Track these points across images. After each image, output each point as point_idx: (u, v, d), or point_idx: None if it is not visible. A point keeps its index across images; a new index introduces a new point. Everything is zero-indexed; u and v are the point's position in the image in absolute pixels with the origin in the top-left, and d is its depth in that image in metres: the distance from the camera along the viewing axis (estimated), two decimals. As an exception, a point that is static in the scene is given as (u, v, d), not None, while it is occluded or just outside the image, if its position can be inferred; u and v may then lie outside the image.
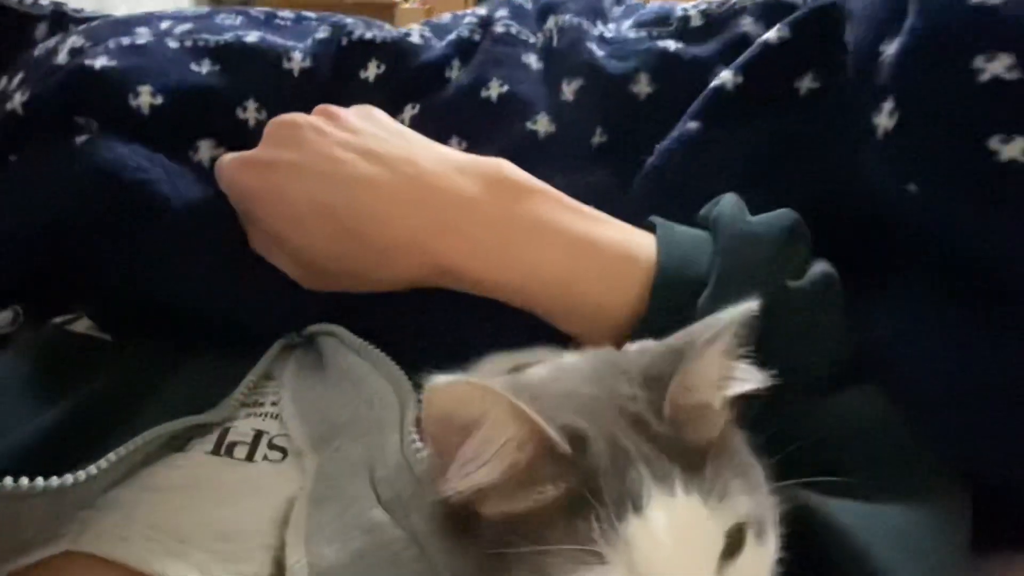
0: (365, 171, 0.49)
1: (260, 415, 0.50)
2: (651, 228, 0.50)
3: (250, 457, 0.47)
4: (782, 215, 0.49)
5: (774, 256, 0.46)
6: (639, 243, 0.49)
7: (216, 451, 0.47)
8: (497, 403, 0.33)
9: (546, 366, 0.40)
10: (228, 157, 0.53)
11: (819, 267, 0.47)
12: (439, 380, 0.32)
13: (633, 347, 0.40)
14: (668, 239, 0.49)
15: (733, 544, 0.34)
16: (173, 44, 0.60)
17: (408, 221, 0.48)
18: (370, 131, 0.52)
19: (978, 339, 0.45)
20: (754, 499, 0.35)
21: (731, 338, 0.36)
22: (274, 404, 0.50)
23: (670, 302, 0.46)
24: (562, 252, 0.48)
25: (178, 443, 0.47)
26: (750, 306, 0.36)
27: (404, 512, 0.39)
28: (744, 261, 0.46)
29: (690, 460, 0.34)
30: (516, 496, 0.34)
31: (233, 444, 0.47)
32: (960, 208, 0.44)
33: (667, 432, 0.34)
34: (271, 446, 0.48)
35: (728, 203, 0.50)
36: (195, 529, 0.42)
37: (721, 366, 0.36)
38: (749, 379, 0.38)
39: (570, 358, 0.41)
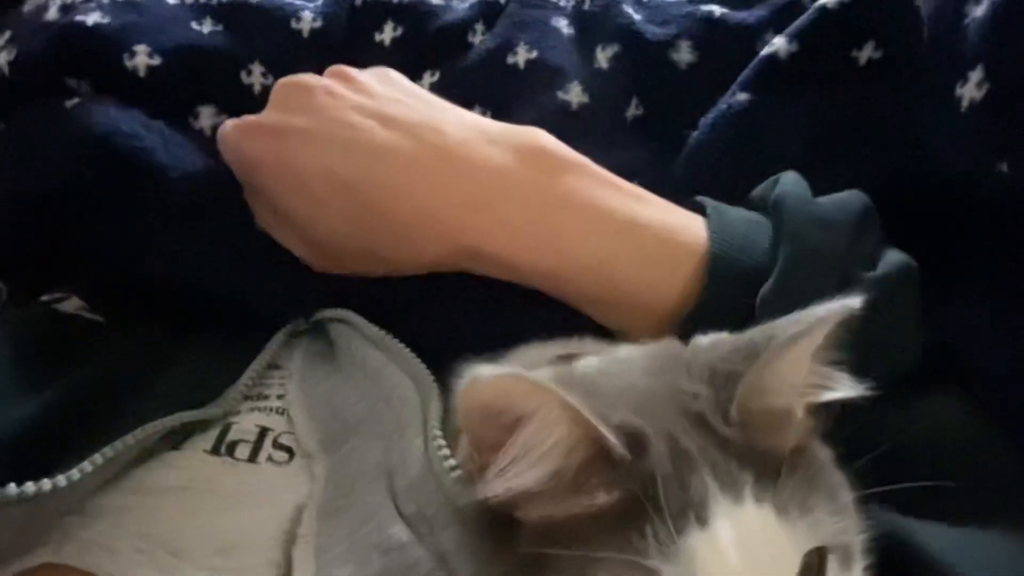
0: (384, 139, 0.44)
1: (265, 409, 0.45)
2: (699, 209, 0.46)
3: (253, 458, 0.42)
4: (853, 197, 0.45)
5: (849, 243, 0.42)
6: (688, 225, 0.44)
7: (216, 450, 0.42)
8: (548, 400, 0.29)
9: (599, 358, 0.36)
10: (231, 123, 0.48)
11: (894, 255, 0.43)
12: (482, 371, 0.28)
13: (703, 340, 0.36)
14: (721, 221, 0.44)
15: (811, 571, 0.30)
16: (172, 0, 0.55)
17: (432, 195, 0.43)
18: (390, 95, 0.47)
19: None
20: (840, 522, 0.31)
21: (821, 337, 0.31)
22: (280, 397, 0.46)
23: (725, 292, 0.42)
24: (603, 233, 0.44)
25: (174, 439, 0.43)
26: (850, 302, 0.31)
27: (429, 529, 0.34)
28: (815, 248, 0.41)
29: (764, 468, 0.30)
30: (563, 500, 0.30)
31: (235, 443, 0.43)
32: None
33: (736, 436, 0.30)
34: (276, 445, 0.43)
35: (791, 182, 0.45)
36: (191, 540, 0.38)
37: (806, 368, 0.32)
38: (840, 387, 0.33)
39: (626, 349, 0.37)
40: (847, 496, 0.33)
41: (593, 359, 0.36)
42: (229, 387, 0.46)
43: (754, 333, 0.33)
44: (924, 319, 0.43)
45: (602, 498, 0.29)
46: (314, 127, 0.45)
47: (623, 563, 0.28)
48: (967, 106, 0.41)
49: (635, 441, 0.30)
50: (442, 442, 0.36)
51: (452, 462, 0.35)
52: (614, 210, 0.44)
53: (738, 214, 0.45)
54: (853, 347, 0.34)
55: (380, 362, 0.43)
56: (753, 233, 0.44)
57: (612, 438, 0.29)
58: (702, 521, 0.28)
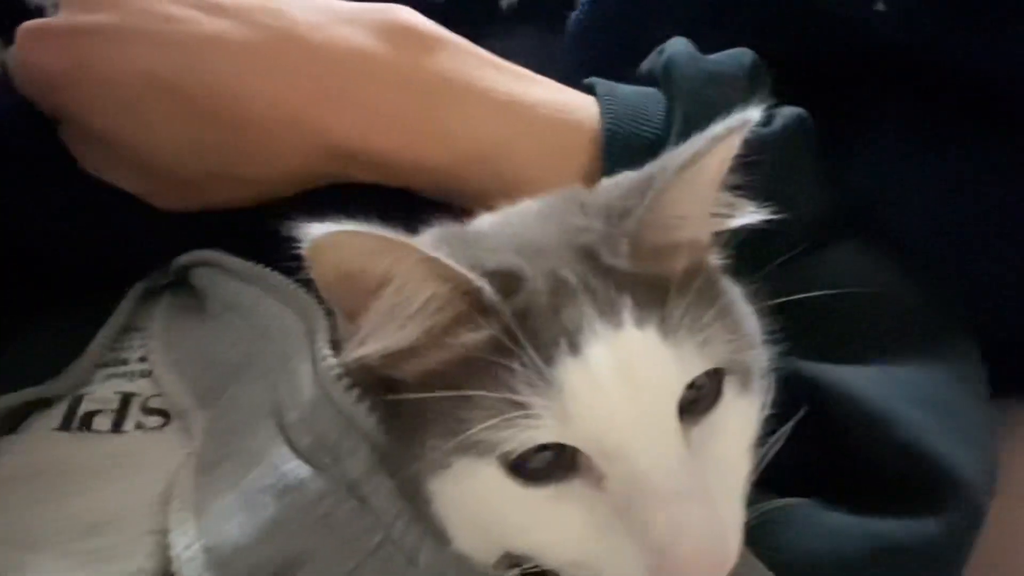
0: (213, 28, 0.38)
1: (126, 375, 0.39)
2: (589, 91, 0.43)
3: (117, 427, 0.36)
4: (741, 53, 0.43)
5: (741, 97, 0.39)
6: (579, 104, 0.42)
7: (66, 426, 0.36)
8: (405, 256, 0.27)
9: (498, 213, 0.34)
10: (19, 33, 0.40)
11: (788, 110, 0.42)
12: (315, 230, 0.26)
13: (606, 181, 0.34)
14: (613, 97, 0.42)
15: (710, 393, 0.29)
16: None
17: (283, 90, 0.38)
18: None
19: (966, 172, 0.40)
20: (737, 342, 0.29)
21: (721, 160, 0.29)
22: (142, 360, 0.40)
23: (624, 169, 0.38)
24: (488, 117, 0.40)
25: (12, 423, 0.36)
26: (746, 115, 0.29)
27: (334, 458, 0.30)
28: (711, 103, 0.39)
29: (650, 293, 0.28)
30: (439, 351, 0.28)
31: (91, 415, 0.37)
32: (930, 19, 0.39)
33: (623, 265, 0.29)
34: (146, 410, 0.37)
35: (679, 44, 0.43)
36: (50, 528, 0.32)
37: (706, 195, 0.30)
38: (744, 214, 0.31)
39: (529, 201, 0.34)
40: (752, 324, 0.31)
41: (490, 215, 0.34)
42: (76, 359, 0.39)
43: (652, 165, 0.31)
44: (826, 173, 0.41)
45: (474, 340, 0.27)
46: (122, 22, 0.38)
47: (495, 401, 0.26)
48: None
49: (510, 281, 0.28)
50: (333, 361, 0.31)
51: (348, 380, 0.30)
52: (498, 91, 0.40)
53: (630, 89, 0.43)
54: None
55: (253, 296, 0.38)
56: (647, 105, 0.42)
57: (481, 283, 0.27)
58: (574, 349, 0.27)
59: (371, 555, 0.28)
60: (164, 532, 0.30)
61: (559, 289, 0.28)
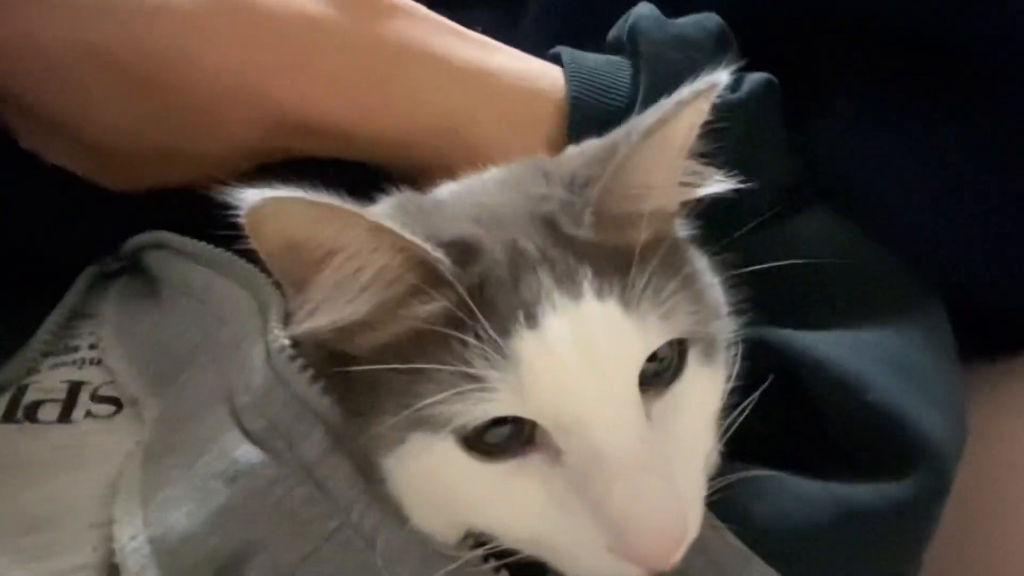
0: None
1: (75, 363, 0.37)
2: (554, 61, 0.42)
3: (65, 417, 0.35)
4: (706, 17, 0.42)
5: (708, 61, 0.38)
6: (543, 72, 0.40)
7: (9, 418, 0.34)
8: (354, 226, 0.26)
9: (460, 181, 0.33)
10: None
11: (755, 75, 0.41)
12: (251, 196, 0.24)
13: (571, 149, 0.33)
14: (578, 65, 0.41)
15: (673, 364, 0.28)
16: None
17: (230, 58, 0.36)
18: None
19: (928, 137, 0.40)
20: (700, 312, 0.29)
21: (688, 126, 0.28)
22: (93, 347, 0.38)
23: (590, 137, 0.37)
24: (449, 86, 0.38)
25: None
26: (713, 78, 0.27)
27: (288, 444, 0.28)
28: (676, 68, 0.38)
29: (611, 262, 0.27)
30: (393, 324, 0.27)
31: (36, 404, 0.35)
32: None
33: (584, 235, 0.28)
34: (96, 398, 0.36)
35: (643, 9, 0.42)
36: None
37: (671, 163, 0.29)
38: (709, 183, 0.30)
39: (493, 169, 0.33)
40: (717, 294, 0.31)
41: (453, 184, 0.33)
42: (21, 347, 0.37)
43: (617, 132, 0.30)
44: (795, 140, 0.41)
45: (429, 312, 0.27)
46: None
47: (450, 374, 0.26)
48: None
49: (467, 251, 0.27)
50: (285, 342, 0.30)
51: (302, 361, 0.29)
52: (459, 59, 0.39)
53: (596, 58, 0.42)
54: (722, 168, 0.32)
55: (206, 278, 0.36)
56: (614, 73, 0.41)
57: (437, 253, 0.26)
58: (532, 321, 0.26)
59: (327, 540, 0.27)
60: (110, 524, 0.29)
61: (518, 260, 0.27)
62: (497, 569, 0.28)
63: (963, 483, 0.34)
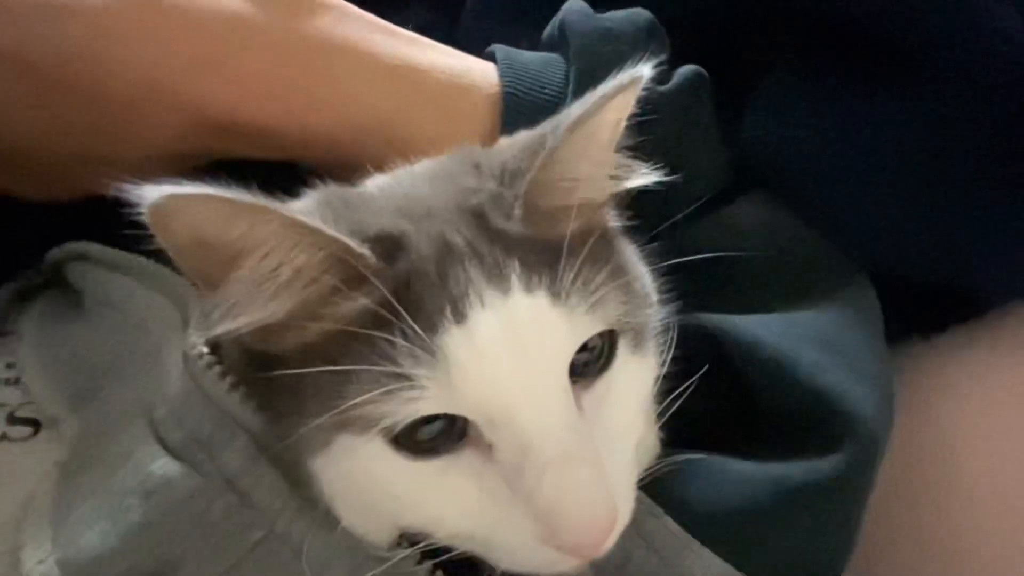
0: None
1: (-10, 384, 0.35)
2: (489, 60, 0.41)
3: (-22, 441, 0.33)
4: (635, 12, 0.42)
5: (636, 55, 0.38)
6: (476, 69, 0.40)
7: (-85, 444, 0.32)
8: (265, 221, 0.24)
9: (392, 173, 0.33)
10: None
11: (684, 68, 0.41)
12: (151, 193, 0.23)
13: (503, 141, 0.33)
14: (511, 61, 0.40)
15: (603, 354, 0.28)
16: None
17: (145, 60, 0.34)
18: None
19: (856, 120, 0.40)
20: (629, 303, 0.29)
21: (612, 119, 0.28)
22: (10, 367, 0.36)
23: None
24: (378, 83, 0.37)
25: None
26: (636, 71, 0.28)
27: (208, 455, 0.27)
28: (605, 60, 0.37)
29: (540, 255, 0.27)
30: (316, 323, 0.26)
31: (-54, 429, 0.33)
32: None
33: (513, 228, 0.28)
34: (13, 420, 0.34)
35: (573, 5, 0.42)
36: None
37: (600, 156, 0.29)
38: (637, 175, 0.30)
39: (425, 161, 0.33)
40: (646, 283, 0.31)
41: (382, 176, 0.33)
42: None
43: (545, 124, 0.30)
44: (727, 128, 0.41)
45: (353, 311, 0.26)
46: None
47: (376, 374, 0.25)
48: None
49: (392, 246, 0.27)
50: (203, 349, 0.28)
51: (220, 368, 0.28)
52: (388, 55, 0.38)
53: (530, 55, 0.42)
54: (654, 159, 0.32)
55: (127, 288, 0.35)
56: (547, 69, 0.40)
57: (361, 249, 0.25)
58: (459, 316, 0.26)
59: (251, 552, 0.26)
60: (19, 550, 0.27)
61: (445, 254, 0.27)
62: (432, 569, 0.27)
63: (893, 459, 0.34)
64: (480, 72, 0.40)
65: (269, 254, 0.25)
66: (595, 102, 0.27)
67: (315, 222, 0.25)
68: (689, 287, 0.32)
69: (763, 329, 0.35)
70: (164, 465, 0.27)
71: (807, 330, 0.36)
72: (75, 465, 0.30)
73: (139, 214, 0.24)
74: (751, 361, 0.34)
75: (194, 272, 0.27)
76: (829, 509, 0.32)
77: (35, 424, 0.34)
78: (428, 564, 0.27)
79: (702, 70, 0.41)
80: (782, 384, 0.33)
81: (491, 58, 0.41)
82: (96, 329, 0.35)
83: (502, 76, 0.40)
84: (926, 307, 0.42)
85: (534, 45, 0.44)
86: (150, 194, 0.23)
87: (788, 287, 0.37)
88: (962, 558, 0.40)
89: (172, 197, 0.23)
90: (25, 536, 0.27)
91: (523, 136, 0.31)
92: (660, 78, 0.40)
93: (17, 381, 0.36)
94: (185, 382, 0.28)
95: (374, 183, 0.32)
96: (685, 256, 0.32)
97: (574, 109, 0.28)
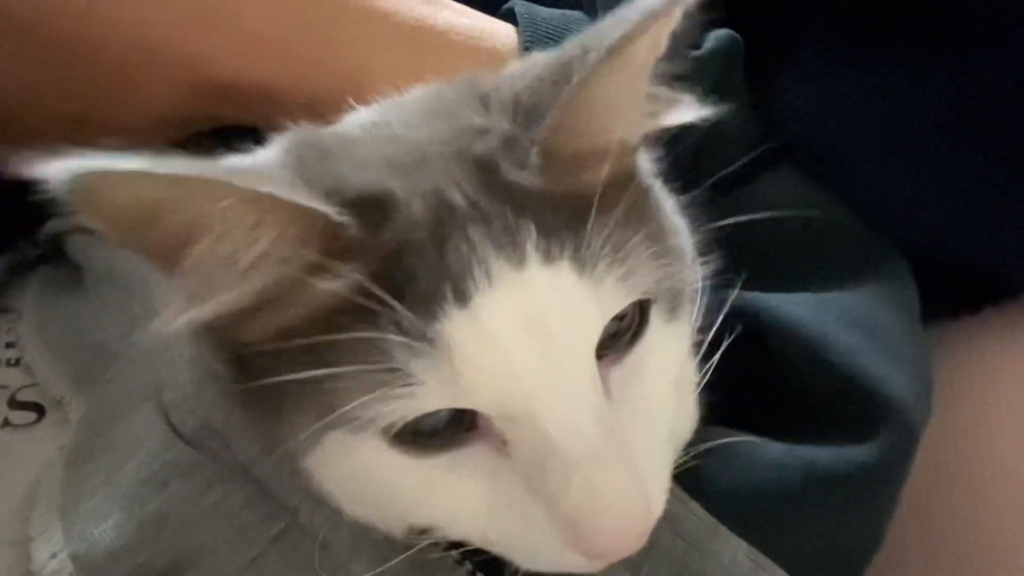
0: None
1: (-11, 365, 0.34)
2: (508, 18, 0.39)
3: (-22, 427, 0.31)
4: None
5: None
6: (496, 30, 0.38)
7: (-87, 429, 0.31)
8: (218, 196, 0.20)
9: (375, 107, 0.28)
10: None
11: (718, 31, 0.39)
12: (59, 170, 0.18)
13: (515, 66, 0.26)
14: (532, 19, 0.38)
15: (634, 323, 0.24)
16: None
17: (142, 16, 0.32)
18: None
19: (891, 91, 0.39)
20: (667, 265, 0.25)
21: (654, 44, 0.23)
22: (10, 346, 0.35)
23: None
24: (393, 44, 0.35)
25: None
26: None
27: (223, 443, 0.26)
28: None
29: (562, 215, 0.22)
30: (286, 308, 0.22)
31: (-57, 414, 0.32)
32: None
33: (529, 181, 0.23)
34: (15, 404, 0.33)
35: None
36: None
37: (636, 87, 0.24)
38: (681, 109, 0.25)
39: (420, 89, 0.28)
40: (681, 236, 0.27)
41: (364, 111, 0.28)
42: None
43: (569, 48, 0.23)
44: (757, 99, 0.39)
45: (334, 292, 0.21)
46: None
47: (366, 372, 0.21)
48: None
49: (378, 209, 0.22)
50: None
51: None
52: (404, 15, 0.36)
53: (552, 12, 0.40)
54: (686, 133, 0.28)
55: (133, 263, 0.33)
56: (571, 27, 0.38)
57: (341, 217, 0.21)
58: (462, 297, 0.21)
59: (273, 544, 0.24)
60: (27, 542, 0.26)
61: (443, 217, 0.22)
62: (473, 570, 0.25)
63: (931, 443, 0.33)
64: (498, 32, 0.38)
65: (228, 233, 0.21)
66: (638, 21, 0.21)
67: (283, 191, 0.20)
68: (720, 261, 0.30)
69: (797, 309, 0.33)
70: (180, 455, 0.26)
71: (843, 312, 0.34)
72: (83, 451, 0.28)
73: (48, 192, 0.19)
74: (784, 342, 0.32)
75: (138, 251, 0.22)
76: (862, 497, 0.31)
77: (38, 409, 0.33)
78: (468, 565, 0.25)
79: (736, 35, 0.39)
80: (816, 365, 0.32)
81: (511, 15, 0.39)
82: (101, 306, 0.34)
83: (522, 34, 0.38)
84: (960, 287, 0.41)
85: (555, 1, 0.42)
86: (59, 172, 0.19)
87: (821, 265, 0.36)
88: (1001, 547, 0.39)
89: (93, 175, 0.19)
90: (34, 527, 0.26)
91: (540, 61, 0.25)
92: (691, 42, 0.38)
93: (18, 362, 0.34)
94: (198, 367, 0.27)
95: (355, 120, 0.27)
96: (716, 227, 0.29)
97: (609, 29, 0.22)
